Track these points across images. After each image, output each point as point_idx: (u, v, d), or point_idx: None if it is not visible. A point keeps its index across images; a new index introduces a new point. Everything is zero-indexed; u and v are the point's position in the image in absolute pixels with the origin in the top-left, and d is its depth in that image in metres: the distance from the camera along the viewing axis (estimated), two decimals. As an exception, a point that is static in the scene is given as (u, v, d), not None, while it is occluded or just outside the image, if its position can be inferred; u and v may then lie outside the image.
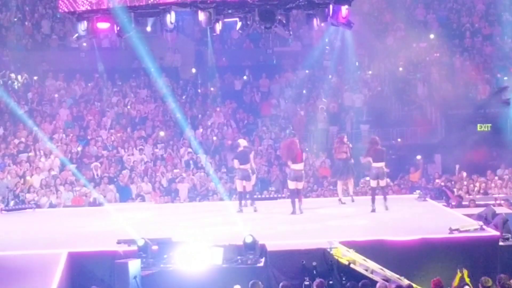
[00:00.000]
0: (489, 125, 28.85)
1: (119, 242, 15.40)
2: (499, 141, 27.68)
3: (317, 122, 29.38)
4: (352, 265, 14.58)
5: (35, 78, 29.16)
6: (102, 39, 29.28)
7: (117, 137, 26.46)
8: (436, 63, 30.84)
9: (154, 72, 29.98)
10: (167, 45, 30.83)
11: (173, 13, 16.87)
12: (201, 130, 27.65)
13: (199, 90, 29.86)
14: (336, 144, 20.40)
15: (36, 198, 22.69)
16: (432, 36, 31.55)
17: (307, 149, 25.79)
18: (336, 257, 14.68)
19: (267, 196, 22.99)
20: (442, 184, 23.26)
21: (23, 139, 25.50)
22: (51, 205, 22.55)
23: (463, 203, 20.90)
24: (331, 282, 14.32)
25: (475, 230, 15.98)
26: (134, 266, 14.18)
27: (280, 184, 24.91)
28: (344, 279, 14.36)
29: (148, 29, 18.02)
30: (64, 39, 30.32)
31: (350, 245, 14.94)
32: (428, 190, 22.69)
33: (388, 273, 14.36)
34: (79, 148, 25.42)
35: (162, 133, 27.20)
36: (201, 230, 17.27)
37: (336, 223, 17.78)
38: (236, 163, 19.54)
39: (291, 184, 18.99)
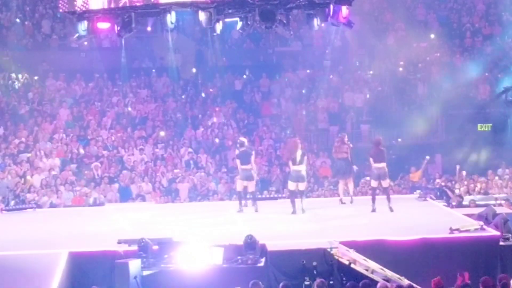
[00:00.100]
0: (490, 125, 28.86)
1: (119, 242, 15.41)
2: (500, 141, 27.69)
3: (318, 122, 29.39)
4: (352, 265, 14.59)
5: (36, 78, 29.15)
6: (102, 39, 29.28)
7: (117, 137, 26.47)
8: (437, 63, 30.82)
9: (154, 72, 30.10)
10: (167, 45, 30.79)
11: (173, 13, 16.88)
12: (201, 130, 27.66)
13: (203, 94, 29.81)
14: (337, 144, 20.40)
15: (36, 198, 22.69)
16: (432, 36, 31.52)
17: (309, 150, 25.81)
18: (337, 257, 14.68)
19: (268, 196, 22.99)
20: (443, 184, 23.25)
21: (23, 139, 25.51)
22: (52, 205, 22.56)
23: (464, 203, 20.90)
24: (331, 282, 14.32)
25: (476, 230, 15.99)
26: (134, 266, 14.18)
27: (280, 184, 24.91)
28: (344, 279, 14.36)
29: (149, 29, 18.02)
30: (64, 39, 30.30)
31: (351, 245, 14.94)
32: (428, 190, 22.68)
33: (389, 273, 14.36)
34: (82, 151, 25.41)
35: (162, 133, 27.21)
36: (202, 230, 17.28)
37: (336, 223, 17.78)
38: (237, 163, 19.53)
39: (291, 185, 18.98)
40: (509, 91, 28.93)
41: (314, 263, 14.56)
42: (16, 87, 28.51)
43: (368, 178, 22.31)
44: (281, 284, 12.43)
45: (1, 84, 28.04)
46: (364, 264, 14.59)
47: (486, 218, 17.18)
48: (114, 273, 14.41)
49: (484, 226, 16.23)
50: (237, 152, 19.72)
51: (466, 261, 14.77)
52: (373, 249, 14.91)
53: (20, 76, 28.79)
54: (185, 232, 16.70)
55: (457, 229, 15.80)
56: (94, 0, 16.63)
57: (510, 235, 15.86)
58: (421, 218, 18.22)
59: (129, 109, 28.41)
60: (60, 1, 17.06)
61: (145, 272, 14.44)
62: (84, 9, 16.76)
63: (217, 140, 27.15)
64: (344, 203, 20.25)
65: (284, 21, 17.64)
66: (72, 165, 24.73)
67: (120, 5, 16.58)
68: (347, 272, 14.52)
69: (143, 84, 29.93)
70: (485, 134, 28.34)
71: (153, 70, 30.70)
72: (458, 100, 29.14)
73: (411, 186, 24.67)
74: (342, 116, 29.71)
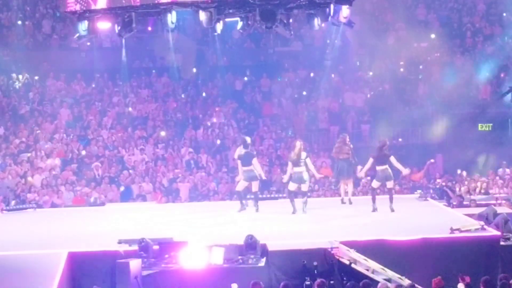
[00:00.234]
0: (490, 124, 28.86)
1: (120, 242, 15.41)
2: (500, 141, 27.68)
3: (318, 122, 29.38)
4: (353, 265, 14.59)
5: (36, 78, 29.14)
6: (103, 39, 29.28)
7: (118, 137, 26.46)
8: (437, 63, 30.82)
9: (154, 72, 30.09)
10: (168, 45, 30.78)
11: (174, 13, 16.89)
12: (202, 130, 27.65)
13: (203, 94, 29.81)
14: (338, 144, 20.37)
15: (37, 198, 22.69)
16: (433, 36, 31.51)
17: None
18: (337, 257, 14.68)
19: (268, 196, 22.98)
20: (443, 183, 23.24)
21: (24, 139, 25.51)
22: (52, 205, 22.56)
23: (464, 203, 20.89)
24: (332, 282, 14.31)
25: (476, 230, 15.99)
26: (135, 266, 14.18)
27: (281, 184, 24.88)
28: (345, 279, 14.36)
29: (149, 28, 18.03)
30: (65, 39, 30.31)
31: (351, 245, 14.94)
32: (429, 190, 22.67)
33: (389, 273, 14.36)
34: (83, 152, 25.41)
35: (163, 133, 27.21)
36: (202, 230, 17.28)
37: (337, 223, 17.78)
38: (238, 164, 19.48)
39: (292, 186, 18.98)
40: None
41: (315, 263, 14.56)
42: (17, 87, 28.51)
43: (368, 178, 22.29)
44: (281, 284, 12.43)
45: (1, 84, 28.04)
46: (364, 264, 14.59)
47: (486, 218, 17.17)
48: (114, 273, 14.41)
49: (485, 226, 16.23)
50: (238, 153, 19.59)
51: (466, 261, 14.77)
52: (373, 249, 14.91)
53: (20, 76, 28.79)
54: (186, 232, 16.69)
55: (458, 229, 15.79)
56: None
57: (510, 235, 15.86)
58: (421, 218, 18.21)
59: (130, 109, 28.41)
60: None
61: (146, 272, 14.44)
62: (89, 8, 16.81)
63: (218, 142, 27.12)
64: (345, 203, 20.26)
65: (285, 21, 17.64)
66: (73, 165, 24.73)
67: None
68: (348, 272, 14.52)
69: (143, 84, 29.93)
70: (486, 133, 28.34)
71: (153, 71, 30.69)
72: (458, 100, 29.14)
73: (412, 186, 24.67)
74: (343, 116, 29.71)
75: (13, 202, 22.41)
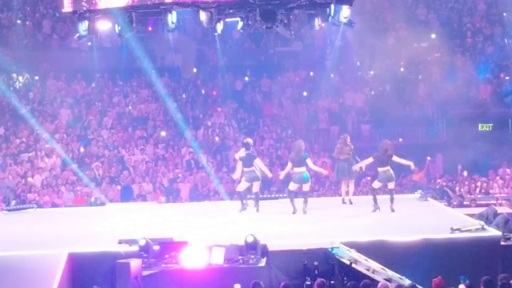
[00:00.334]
0: (490, 124, 28.87)
1: (120, 242, 15.39)
2: (500, 141, 27.67)
3: (318, 122, 29.37)
4: (353, 265, 14.58)
5: (36, 78, 29.16)
6: (103, 39, 29.26)
7: (118, 137, 26.47)
8: (437, 63, 30.83)
9: (155, 72, 30.06)
10: (168, 45, 30.78)
11: (174, 13, 16.88)
12: (202, 130, 27.65)
13: (203, 91, 29.80)
14: (339, 145, 20.33)
15: (37, 198, 22.69)
16: (433, 36, 31.52)
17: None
18: (338, 257, 14.68)
19: (269, 196, 22.97)
20: (444, 184, 23.25)
21: (24, 139, 25.51)
22: (53, 205, 22.56)
23: (465, 202, 20.90)
24: (332, 282, 14.31)
25: (477, 230, 15.97)
26: (135, 266, 14.17)
27: (281, 184, 24.88)
28: (345, 279, 14.35)
29: (149, 28, 18.03)
30: (65, 39, 30.32)
31: (352, 245, 14.93)
32: (429, 189, 22.67)
33: (390, 273, 14.35)
34: (82, 150, 25.40)
35: (163, 133, 27.21)
36: (202, 230, 17.27)
37: (337, 223, 17.77)
38: (239, 164, 19.47)
39: (293, 186, 18.97)
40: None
41: (315, 263, 14.55)
42: (17, 87, 28.52)
43: (369, 178, 22.28)
44: (282, 284, 12.42)
45: (2, 84, 28.05)
46: (365, 264, 14.57)
47: (487, 218, 17.17)
48: (114, 273, 14.40)
49: (485, 226, 16.21)
50: (240, 154, 19.54)
51: (466, 261, 14.75)
52: (374, 249, 14.89)
53: (21, 76, 28.79)
54: (186, 232, 16.68)
55: (458, 229, 15.78)
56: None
57: (511, 235, 15.84)
58: (422, 218, 18.20)
59: (130, 108, 28.40)
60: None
61: (146, 272, 14.43)
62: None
63: (217, 138, 27.10)
64: (346, 203, 20.25)
65: (285, 21, 17.63)
66: (73, 165, 24.72)
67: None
68: (348, 272, 14.50)
69: (143, 84, 29.92)
70: (486, 133, 28.34)
71: (153, 71, 30.67)
72: (458, 100, 29.14)
73: (413, 186, 24.66)
74: (343, 116, 29.71)
75: (13, 202, 22.43)
